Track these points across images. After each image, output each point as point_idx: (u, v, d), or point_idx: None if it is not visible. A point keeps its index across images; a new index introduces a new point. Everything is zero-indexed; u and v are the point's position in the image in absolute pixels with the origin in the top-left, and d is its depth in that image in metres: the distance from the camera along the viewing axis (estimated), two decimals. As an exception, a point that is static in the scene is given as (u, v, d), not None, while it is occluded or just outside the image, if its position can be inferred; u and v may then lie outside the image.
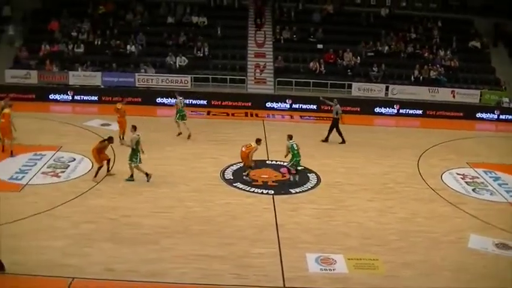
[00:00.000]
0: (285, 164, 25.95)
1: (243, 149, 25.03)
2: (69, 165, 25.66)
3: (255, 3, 44.95)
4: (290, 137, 25.52)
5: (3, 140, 26.61)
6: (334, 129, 30.83)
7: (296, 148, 25.09)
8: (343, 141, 30.91)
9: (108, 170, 24.59)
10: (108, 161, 24.54)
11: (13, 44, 40.88)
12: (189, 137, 30.49)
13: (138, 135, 24.10)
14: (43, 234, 19.19)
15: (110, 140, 24.52)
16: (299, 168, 25.65)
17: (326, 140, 31.01)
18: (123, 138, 28.34)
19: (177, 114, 30.69)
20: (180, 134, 30.81)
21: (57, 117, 33.60)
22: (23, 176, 24.16)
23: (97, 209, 21.39)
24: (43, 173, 24.76)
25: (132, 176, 24.22)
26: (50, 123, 32.25)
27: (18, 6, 43.56)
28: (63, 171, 25.00)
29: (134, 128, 24.63)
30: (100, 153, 24.12)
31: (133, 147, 23.80)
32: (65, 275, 16.75)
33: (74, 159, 26.27)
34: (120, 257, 18.06)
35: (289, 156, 25.38)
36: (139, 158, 23.97)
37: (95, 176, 24.10)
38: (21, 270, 16.91)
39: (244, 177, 25.01)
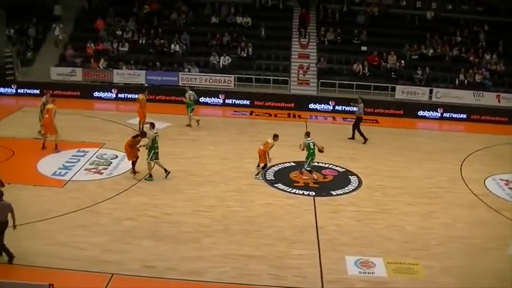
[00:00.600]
0: (303, 163, 25.69)
1: (261, 147, 25.03)
2: (111, 163, 25.90)
3: (300, 7, 44.84)
4: (308, 135, 25.26)
5: (46, 136, 26.95)
6: (357, 128, 31.24)
7: (312, 147, 24.77)
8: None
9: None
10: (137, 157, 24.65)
11: (58, 46, 41.43)
12: (188, 125, 31.84)
13: (156, 132, 24.22)
14: (84, 230, 19.40)
15: (143, 135, 24.64)
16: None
17: (352, 137, 31.37)
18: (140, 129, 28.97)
19: (188, 108, 31.28)
20: (198, 121, 31.90)
21: (101, 115, 34.03)
22: (66, 172, 24.47)
23: (138, 206, 21.57)
24: (86, 169, 25.03)
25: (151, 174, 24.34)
26: (94, 121, 32.63)
27: (68, 6, 44.21)
28: (106, 168, 25.24)
29: (152, 125, 24.73)
30: (133, 148, 24.29)
31: (150, 145, 23.87)
32: (105, 271, 16.91)
33: (117, 157, 26.48)
34: (160, 254, 18.17)
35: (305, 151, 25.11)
36: (156, 155, 24.09)
37: (132, 172, 24.35)
38: (61, 265, 17.09)
39: (256, 177, 25.00)
